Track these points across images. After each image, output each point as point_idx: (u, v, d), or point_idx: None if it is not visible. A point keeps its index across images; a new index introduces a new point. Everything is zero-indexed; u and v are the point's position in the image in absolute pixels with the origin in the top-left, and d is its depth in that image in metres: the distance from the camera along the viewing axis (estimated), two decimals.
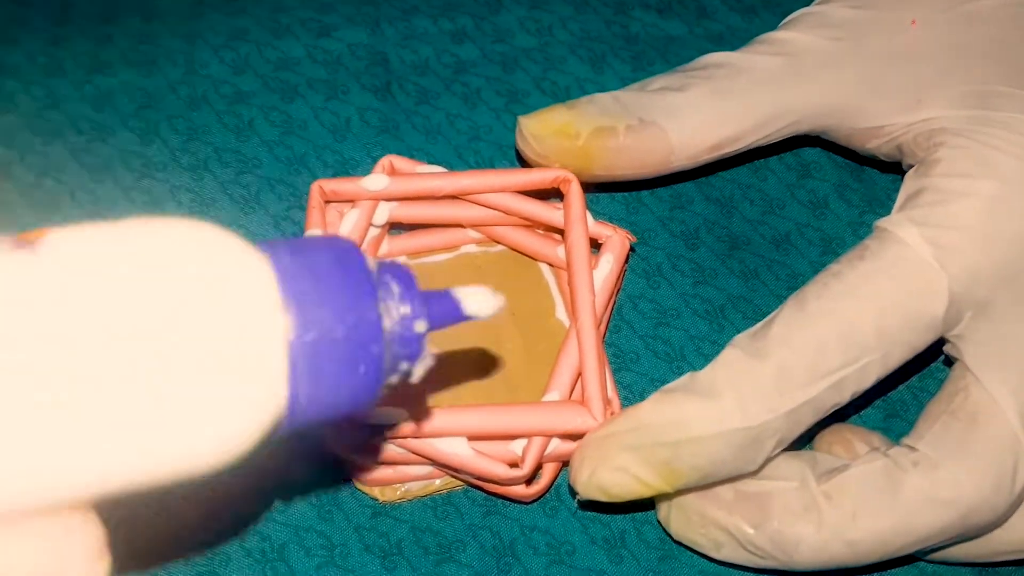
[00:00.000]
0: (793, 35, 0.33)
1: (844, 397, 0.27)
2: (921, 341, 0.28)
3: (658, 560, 0.31)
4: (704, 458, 0.26)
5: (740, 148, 0.33)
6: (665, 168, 0.33)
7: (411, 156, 0.37)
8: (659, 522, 0.30)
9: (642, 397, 0.33)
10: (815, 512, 0.27)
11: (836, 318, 0.27)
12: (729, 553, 0.28)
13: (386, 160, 0.32)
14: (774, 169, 0.37)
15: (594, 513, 0.31)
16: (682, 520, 0.29)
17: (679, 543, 0.30)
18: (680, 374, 0.33)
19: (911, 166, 0.31)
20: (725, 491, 0.28)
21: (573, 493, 0.28)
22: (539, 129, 0.32)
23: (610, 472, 0.27)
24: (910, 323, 0.27)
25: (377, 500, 0.31)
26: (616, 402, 0.31)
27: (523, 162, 0.34)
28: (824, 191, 0.37)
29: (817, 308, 0.27)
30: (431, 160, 0.37)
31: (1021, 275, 0.28)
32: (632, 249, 0.32)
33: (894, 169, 0.38)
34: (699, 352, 0.34)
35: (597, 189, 0.36)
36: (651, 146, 0.32)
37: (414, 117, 0.38)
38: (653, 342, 0.34)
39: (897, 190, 0.37)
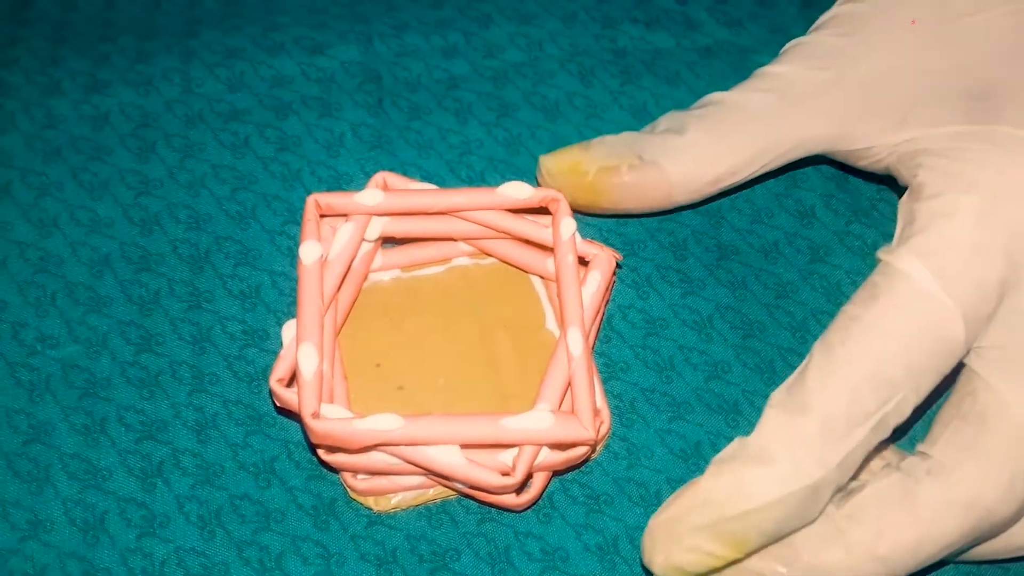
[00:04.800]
0: (784, 68, 0.34)
1: (888, 432, 0.28)
2: (948, 365, 0.28)
3: None
4: (771, 523, 0.27)
5: (739, 181, 0.35)
6: (668, 203, 0.35)
7: (404, 171, 0.37)
8: None
9: (632, 406, 0.34)
10: (841, 537, 0.28)
11: (864, 362, 0.28)
12: None
13: (380, 176, 0.33)
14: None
15: (588, 520, 0.32)
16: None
17: None
18: (669, 383, 0.34)
19: (904, 187, 0.32)
20: None
21: (648, 573, 0.29)
22: (554, 167, 0.35)
23: (683, 553, 0.28)
24: (935, 353, 0.28)
25: (372, 510, 0.31)
26: (606, 411, 0.31)
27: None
28: (811, 200, 0.38)
29: (844, 354, 0.28)
30: (423, 174, 0.38)
31: (1021, 277, 0.28)
32: (619, 265, 0.33)
33: (879, 180, 0.38)
34: (688, 362, 0.34)
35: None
36: (652, 183, 0.34)
37: (406, 132, 0.38)
38: (643, 352, 0.35)
39: (882, 200, 0.38)
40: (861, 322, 0.28)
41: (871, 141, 0.33)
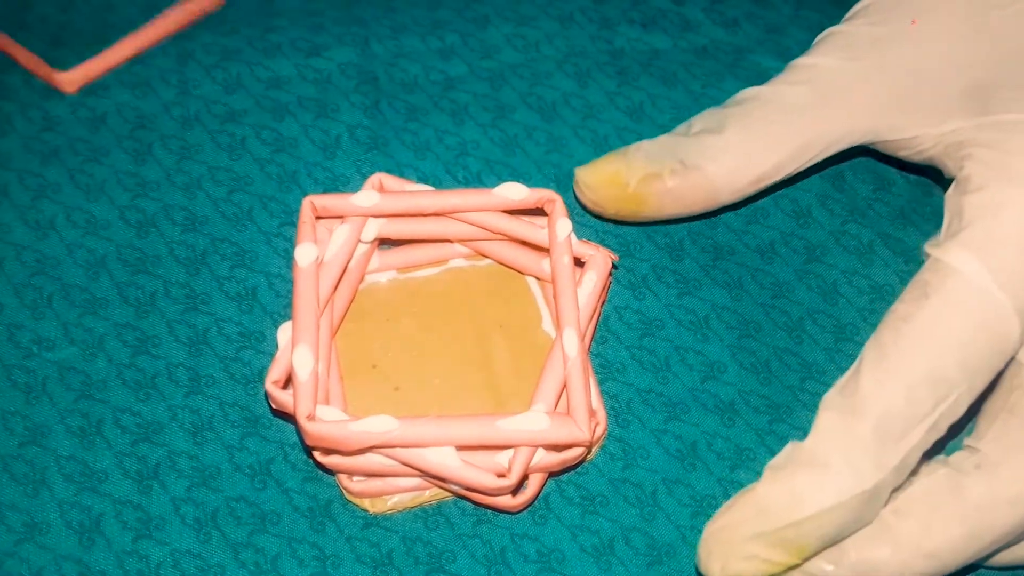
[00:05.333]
0: (817, 60, 0.34)
1: (942, 432, 0.28)
2: (1002, 362, 0.28)
3: (646, 567, 0.31)
4: (829, 527, 0.27)
5: (783, 177, 0.34)
6: (713, 205, 0.35)
7: (400, 172, 0.37)
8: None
9: (629, 407, 0.34)
10: (888, 533, 0.28)
11: (920, 361, 0.27)
12: None
13: (376, 178, 0.33)
14: None
15: (583, 521, 0.32)
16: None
17: None
18: (665, 384, 0.34)
19: (949, 178, 0.31)
20: None
21: None
22: (592, 180, 0.35)
23: (741, 561, 0.28)
24: (989, 350, 0.28)
25: (368, 511, 0.31)
26: (602, 412, 0.31)
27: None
28: (807, 201, 0.38)
29: (899, 354, 0.28)
30: (420, 176, 0.38)
31: None
32: (615, 266, 0.33)
33: (874, 180, 0.38)
34: (684, 362, 0.34)
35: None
36: (695, 187, 0.34)
37: (403, 134, 0.38)
38: (639, 352, 0.35)
39: (877, 200, 0.38)
40: (914, 321, 0.28)
41: (915, 131, 0.32)
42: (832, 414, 0.28)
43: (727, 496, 0.32)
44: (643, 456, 0.33)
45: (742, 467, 0.33)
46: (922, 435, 0.27)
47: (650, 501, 0.32)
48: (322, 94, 0.39)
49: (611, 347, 0.35)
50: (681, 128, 0.35)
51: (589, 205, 0.35)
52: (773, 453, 0.33)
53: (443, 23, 0.41)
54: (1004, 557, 0.30)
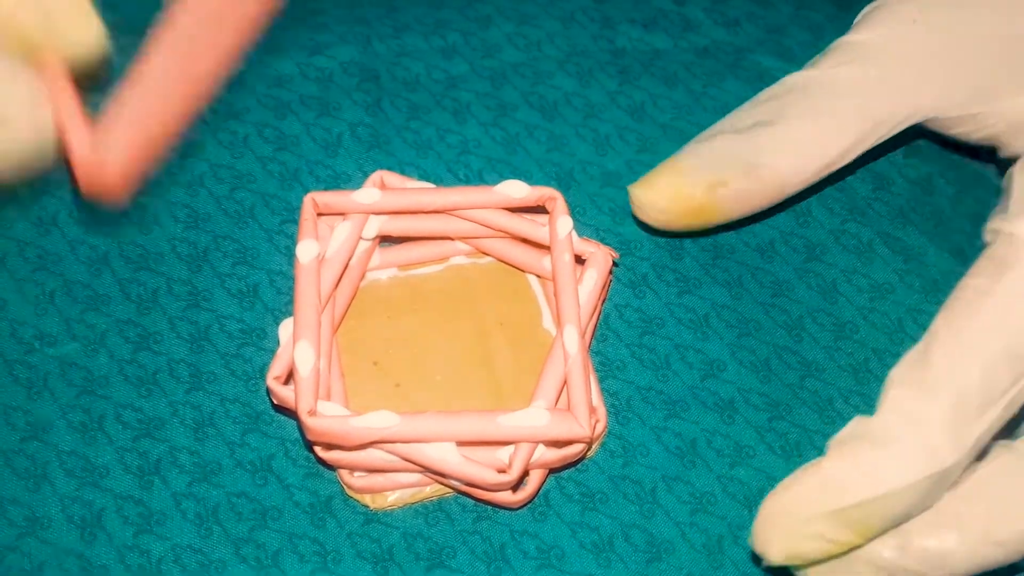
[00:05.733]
0: (866, 36, 0.32)
1: (1016, 410, 0.27)
2: None
3: (645, 563, 0.31)
4: (898, 508, 0.26)
5: (849, 160, 0.33)
6: (780, 199, 0.33)
7: (402, 170, 0.38)
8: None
9: (629, 404, 0.34)
10: (955, 520, 0.27)
11: (998, 336, 0.26)
12: None
13: (377, 175, 0.33)
14: None
15: (583, 518, 0.32)
16: (822, 569, 0.28)
17: None
18: (665, 382, 0.34)
19: (1008, 158, 0.30)
20: None
21: (757, 560, 0.28)
22: (654, 198, 0.33)
23: (804, 541, 0.27)
24: None
25: (369, 507, 0.31)
26: (602, 409, 0.31)
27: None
28: (806, 199, 0.38)
29: (976, 330, 0.27)
30: (422, 174, 0.38)
31: None
32: (615, 264, 0.33)
33: (873, 180, 0.38)
34: (683, 360, 0.34)
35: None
36: (765, 185, 0.32)
37: (405, 132, 0.39)
38: (639, 350, 0.35)
39: (876, 199, 0.38)
40: (991, 295, 0.27)
41: (975, 108, 0.31)
42: (903, 390, 0.26)
43: (726, 493, 0.32)
44: (643, 453, 0.33)
45: (741, 464, 0.33)
46: (999, 414, 0.26)
47: (649, 498, 0.32)
48: (324, 92, 0.39)
49: (611, 345, 0.35)
50: (725, 125, 0.33)
51: (657, 225, 0.33)
52: (772, 450, 0.33)
53: (445, 22, 0.41)
54: None
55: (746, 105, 0.34)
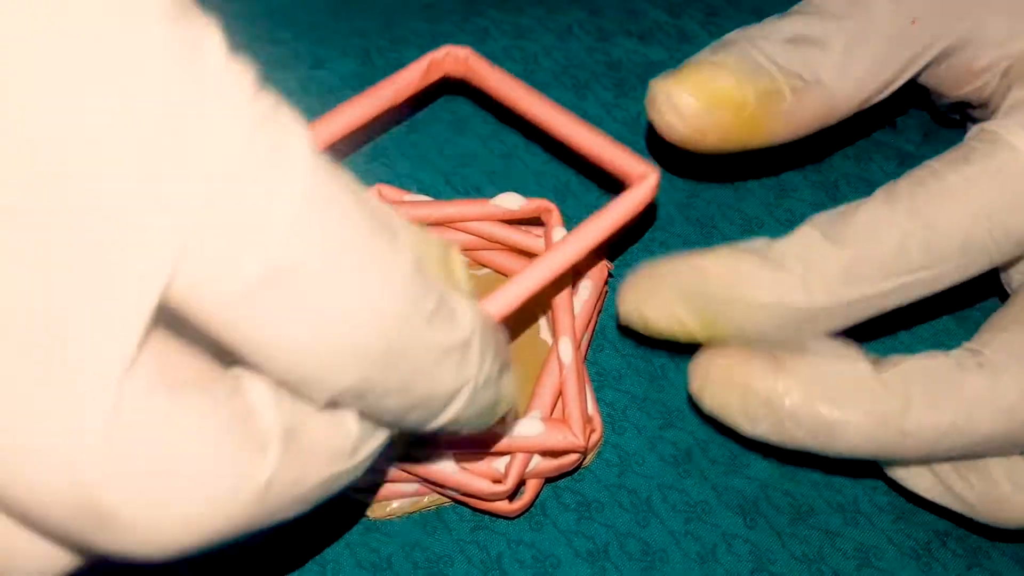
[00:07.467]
0: None
1: (905, 301, 0.26)
2: (1003, 257, 0.27)
3: (640, 571, 0.32)
4: (751, 323, 0.26)
5: (887, 94, 0.30)
6: (820, 126, 0.30)
7: (400, 183, 0.38)
8: (691, 393, 0.29)
9: (625, 415, 0.34)
10: (868, 401, 0.26)
11: (926, 219, 0.26)
12: (766, 429, 0.27)
13: (375, 188, 0.34)
14: (752, 189, 0.38)
15: (579, 527, 0.32)
16: (718, 392, 0.28)
17: (711, 416, 0.29)
18: (662, 392, 0.34)
19: (991, 107, 0.29)
20: (765, 363, 0.27)
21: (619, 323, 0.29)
22: (689, 99, 0.27)
23: (656, 307, 0.27)
24: (1002, 236, 0.26)
25: (367, 517, 0.32)
26: (597, 419, 0.32)
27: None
28: (801, 210, 0.38)
29: (909, 205, 0.26)
30: (419, 186, 0.38)
31: None
32: (610, 275, 0.34)
33: (867, 191, 0.39)
34: (679, 370, 0.35)
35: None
36: (817, 106, 0.29)
37: (402, 145, 0.39)
38: (635, 360, 0.35)
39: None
40: (941, 180, 0.26)
41: (995, 50, 0.29)
42: (814, 231, 0.26)
43: (720, 502, 0.33)
44: (638, 462, 0.33)
45: (736, 473, 0.33)
46: (889, 289, 0.26)
47: (644, 507, 0.33)
48: (325, 106, 0.40)
49: (608, 355, 0.35)
50: (758, 31, 0.29)
51: (681, 136, 0.28)
52: (767, 459, 0.33)
53: (443, 35, 0.42)
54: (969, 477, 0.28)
55: (776, 19, 0.30)
